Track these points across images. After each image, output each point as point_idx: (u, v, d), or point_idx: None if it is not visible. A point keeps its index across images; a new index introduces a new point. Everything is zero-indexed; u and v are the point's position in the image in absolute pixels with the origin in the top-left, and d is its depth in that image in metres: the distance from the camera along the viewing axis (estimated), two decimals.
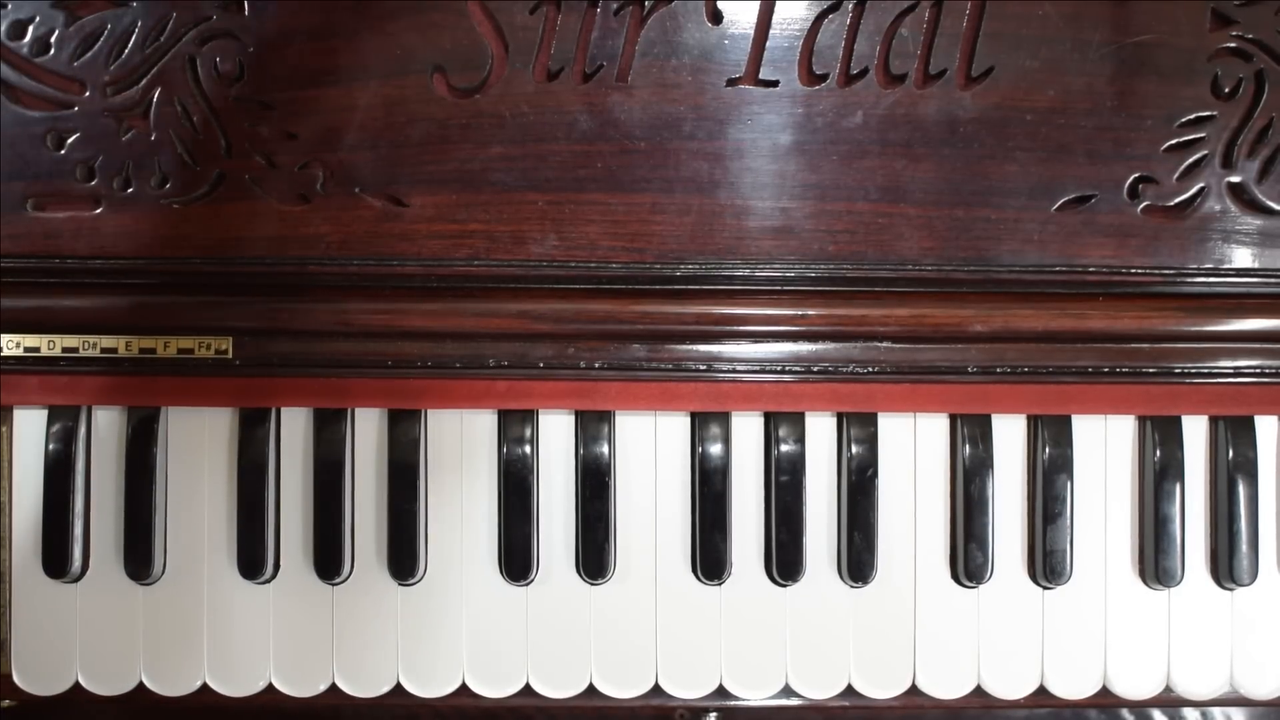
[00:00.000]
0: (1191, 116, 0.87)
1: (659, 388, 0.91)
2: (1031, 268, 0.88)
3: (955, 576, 0.93)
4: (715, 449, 0.91)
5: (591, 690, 0.93)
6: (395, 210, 0.88)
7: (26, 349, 0.90)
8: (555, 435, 0.93)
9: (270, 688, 0.93)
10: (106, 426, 0.93)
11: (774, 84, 0.87)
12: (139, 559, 0.91)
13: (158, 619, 0.93)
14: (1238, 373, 0.90)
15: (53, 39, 0.86)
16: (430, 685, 0.93)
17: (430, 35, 0.86)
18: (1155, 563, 0.92)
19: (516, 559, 0.92)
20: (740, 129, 0.87)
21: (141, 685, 0.93)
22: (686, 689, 0.93)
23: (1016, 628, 0.93)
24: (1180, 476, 0.92)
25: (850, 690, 0.93)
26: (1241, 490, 0.92)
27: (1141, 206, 0.88)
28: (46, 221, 0.88)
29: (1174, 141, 0.88)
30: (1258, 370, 0.90)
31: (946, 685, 0.93)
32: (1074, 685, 0.93)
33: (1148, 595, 0.94)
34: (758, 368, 0.90)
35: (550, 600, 0.93)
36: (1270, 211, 0.88)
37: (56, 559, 0.91)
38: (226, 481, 0.92)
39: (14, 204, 0.88)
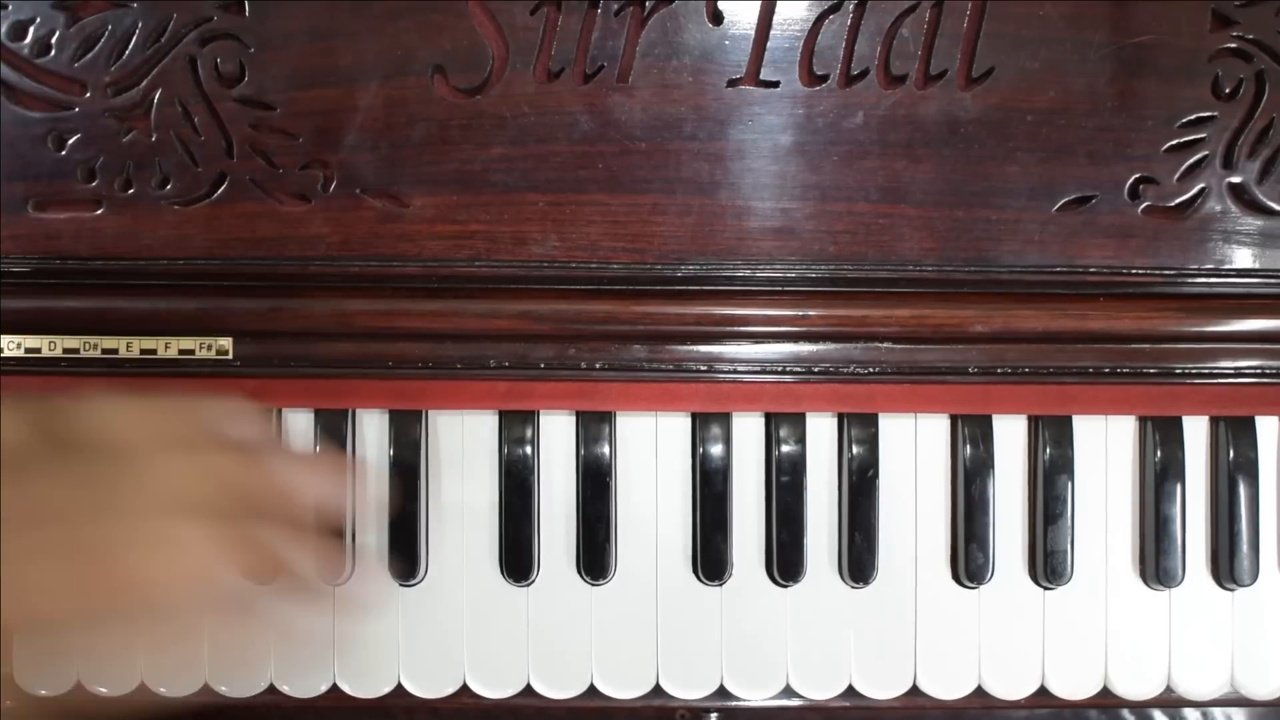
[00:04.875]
0: (1192, 117, 0.87)
1: (660, 388, 0.91)
2: (1032, 268, 0.88)
3: (956, 577, 0.93)
4: (716, 449, 0.92)
5: (592, 691, 0.93)
6: (396, 211, 0.88)
7: (28, 350, 0.90)
8: (556, 436, 0.93)
9: (271, 688, 0.93)
10: None
11: (775, 85, 0.87)
12: None
13: None
14: (1238, 373, 0.90)
15: (54, 40, 0.86)
16: (431, 686, 0.93)
17: (431, 36, 0.86)
18: (1156, 563, 0.92)
19: (517, 559, 0.92)
20: (741, 130, 0.88)
21: (142, 685, 0.93)
22: (687, 689, 0.93)
23: (1017, 628, 0.93)
24: (1181, 477, 0.92)
25: (851, 690, 0.93)
26: (1242, 490, 0.92)
27: (1142, 207, 0.88)
28: (47, 222, 0.88)
29: (1174, 142, 0.88)
30: (1258, 370, 0.91)
31: (947, 686, 0.93)
32: (1075, 686, 0.93)
33: (1148, 595, 0.94)
34: (759, 368, 0.90)
35: (551, 601, 0.93)
36: (1271, 212, 0.88)
37: None
38: None
39: (15, 205, 0.88)
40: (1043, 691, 0.94)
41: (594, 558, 0.91)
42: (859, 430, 0.92)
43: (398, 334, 0.90)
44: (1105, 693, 0.94)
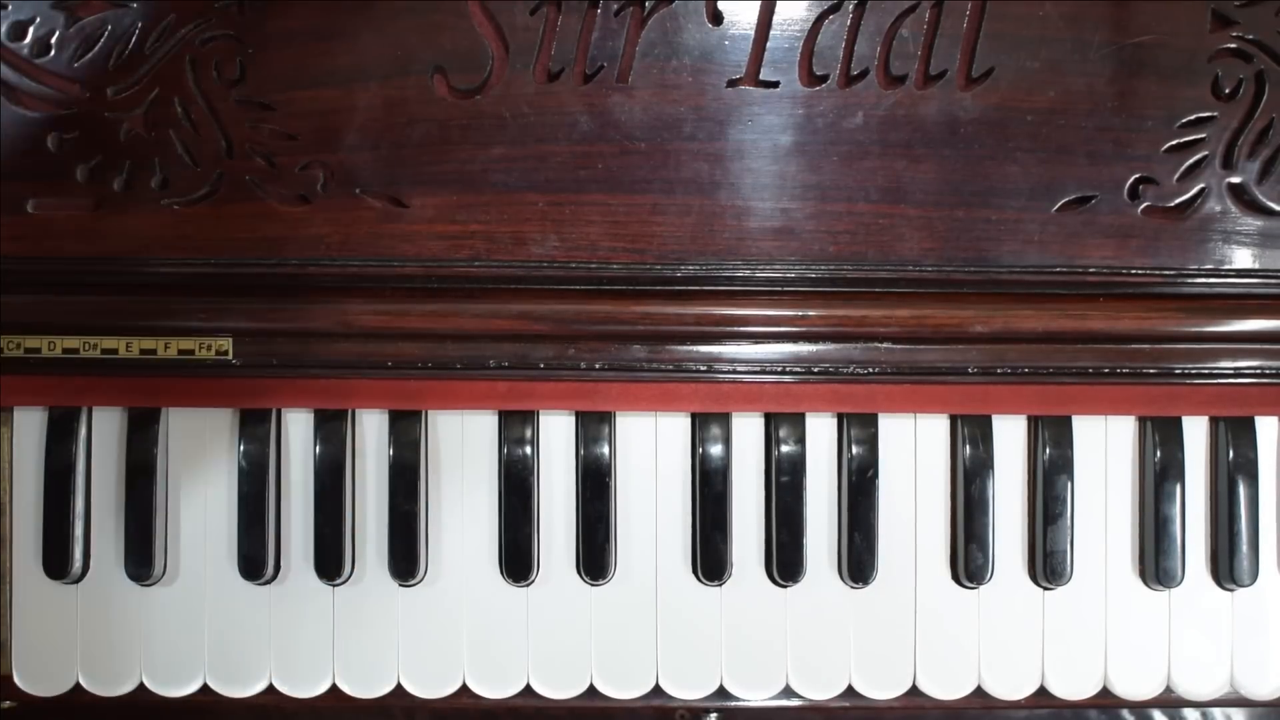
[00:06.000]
0: (1192, 117, 0.87)
1: (659, 388, 0.91)
2: (1032, 268, 0.88)
3: (956, 577, 0.93)
4: (716, 450, 0.91)
5: (592, 691, 0.93)
6: (396, 211, 0.88)
7: (27, 350, 0.90)
8: (556, 436, 0.93)
9: (270, 688, 0.93)
10: (107, 427, 0.93)
11: (774, 85, 0.87)
12: (139, 560, 0.91)
13: (158, 619, 0.93)
14: (1238, 373, 0.90)
15: (53, 40, 0.86)
16: (431, 686, 0.93)
17: (431, 36, 0.86)
18: (1156, 563, 0.92)
19: (517, 559, 0.92)
20: (741, 130, 0.87)
21: (142, 685, 0.93)
22: (687, 689, 0.93)
23: (1017, 628, 0.93)
24: (1180, 477, 0.92)
25: (851, 691, 0.93)
26: (1242, 491, 0.92)
27: (1142, 207, 0.88)
28: (47, 222, 0.88)
29: (1174, 142, 0.88)
30: (1258, 371, 0.91)
31: (947, 686, 0.93)
32: (1074, 686, 0.93)
33: (1148, 596, 0.94)
34: (758, 368, 0.90)
35: (551, 601, 0.93)
36: (1270, 212, 0.88)
37: (57, 560, 0.91)
38: (227, 482, 0.92)
39: (14, 204, 0.88)
40: (1042, 691, 0.94)
41: (594, 558, 0.91)
42: (859, 430, 0.92)
43: (397, 334, 0.90)
44: (1105, 693, 0.94)
